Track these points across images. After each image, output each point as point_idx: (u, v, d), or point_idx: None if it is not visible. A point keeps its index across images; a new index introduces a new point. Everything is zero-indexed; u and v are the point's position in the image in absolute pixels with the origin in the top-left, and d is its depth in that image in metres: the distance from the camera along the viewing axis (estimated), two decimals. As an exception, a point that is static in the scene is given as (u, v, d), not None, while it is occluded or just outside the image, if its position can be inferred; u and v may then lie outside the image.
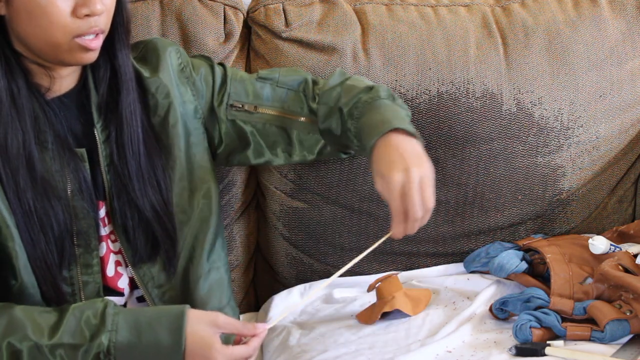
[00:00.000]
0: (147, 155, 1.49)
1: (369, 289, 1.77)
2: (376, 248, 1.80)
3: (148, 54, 1.58)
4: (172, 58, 1.59)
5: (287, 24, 1.86)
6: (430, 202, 1.43)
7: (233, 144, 1.66)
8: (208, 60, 1.67)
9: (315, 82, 1.69)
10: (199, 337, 1.33)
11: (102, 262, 1.49)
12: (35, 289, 1.41)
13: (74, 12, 1.35)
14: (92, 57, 1.40)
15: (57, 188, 1.41)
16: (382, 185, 1.43)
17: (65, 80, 1.45)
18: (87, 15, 1.36)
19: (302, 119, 1.66)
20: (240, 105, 1.63)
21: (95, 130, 1.46)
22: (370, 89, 1.62)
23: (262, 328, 1.37)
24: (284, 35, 1.86)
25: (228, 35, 1.86)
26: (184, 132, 1.57)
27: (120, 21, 1.46)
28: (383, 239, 1.49)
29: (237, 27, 1.87)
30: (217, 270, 1.60)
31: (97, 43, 1.39)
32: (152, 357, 1.33)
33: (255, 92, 1.66)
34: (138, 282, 1.50)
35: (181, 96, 1.58)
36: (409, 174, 1.41)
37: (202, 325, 1.34)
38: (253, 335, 1.37)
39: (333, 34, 1.86)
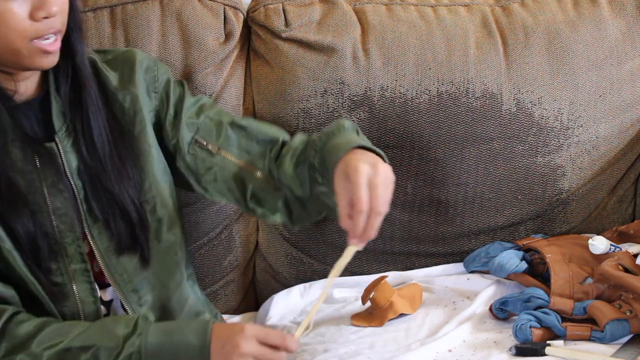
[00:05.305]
0: (116, 147, 1.52)
1: (364, 302, 1.74)
2: (376, 249, 1.81)
3: (119, 63, 1.59)
4: (142, 68, 1.60)
5: (287, 24, 1.86)
6: (388, 203, 1.36)
7: (184, 176, 1.65)
8: (181, 84, 1.66)
9: (284, 144, 1.65)
10: (224, 333, 1.37)
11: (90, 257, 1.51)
12: (35, 285, 1.45)
13: (32, 16, 1.38)
14: (53, 60, 1.43)
15: (31, 186, 1.44)
16: (345, 184, 1.36)
17: (29, 82, 1.48)
18: (45, 18, 1.39)
19: (259, 174, 1.63)
20: (205, 143, 1.62)
21: (57, 137, 1.48)
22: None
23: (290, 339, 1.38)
24: (283, 35, 1.86)
25: (228, 36, 1.86)
26: (152, 138, 1.58)
27: (74, 21, 1.48)
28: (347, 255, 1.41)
29: (237, 27, 1.87)
30: (191, 277, 1.64)
31: (55, 46, 1.42)
32: (181, 357, 1.38)
33: (225, 135, 1.63)
34: (111, 282, 1.52)
35: (147, 106, 1.59)
36: (376, 168, 1.35)
37: (227, 328, 1.39)
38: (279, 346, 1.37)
39: (333, 34, 1.86)
